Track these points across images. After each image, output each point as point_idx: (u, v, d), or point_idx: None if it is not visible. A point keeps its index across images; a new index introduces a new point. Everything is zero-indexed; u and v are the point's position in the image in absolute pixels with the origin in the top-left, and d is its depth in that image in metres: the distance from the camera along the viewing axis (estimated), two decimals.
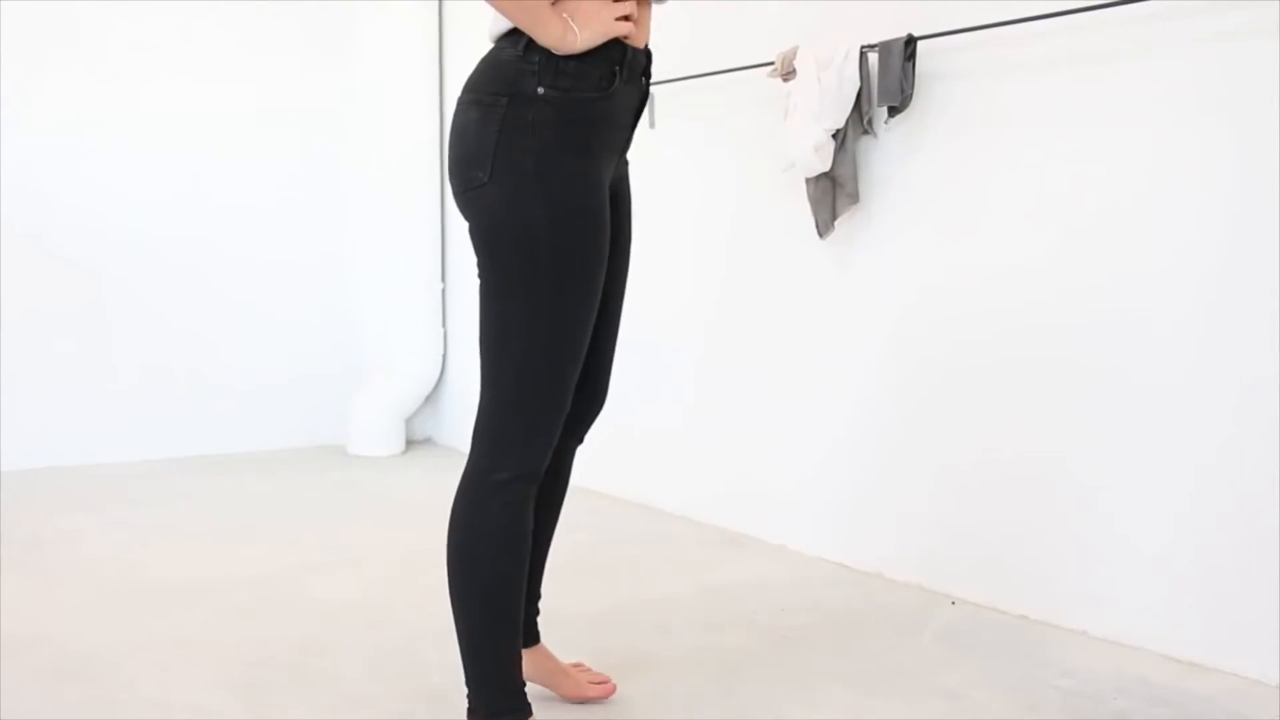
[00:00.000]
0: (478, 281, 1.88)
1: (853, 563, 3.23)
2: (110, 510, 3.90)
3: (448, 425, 5.24)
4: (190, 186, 4.86)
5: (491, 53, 1.85)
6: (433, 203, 5.08)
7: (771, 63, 3.23)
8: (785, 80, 3.17)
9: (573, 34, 1.76)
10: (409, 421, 5.23)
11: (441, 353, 5.18)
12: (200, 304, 4.91)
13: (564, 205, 1.80)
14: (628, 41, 1.85)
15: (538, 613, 2.26)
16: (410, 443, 5.24)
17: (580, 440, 2.17)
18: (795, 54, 3.14)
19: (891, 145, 3.09)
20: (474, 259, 1.92)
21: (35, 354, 4.58)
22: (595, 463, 4.07)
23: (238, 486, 4.32)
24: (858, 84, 3.04)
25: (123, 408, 4.76)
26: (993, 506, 2.89)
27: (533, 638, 2.24)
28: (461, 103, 1.85)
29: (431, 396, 5.27)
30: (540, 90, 1.77)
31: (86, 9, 4.61)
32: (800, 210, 3.27)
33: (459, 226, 4.96)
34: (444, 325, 5.18)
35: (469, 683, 1.94)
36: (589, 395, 2.10)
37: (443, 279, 5.15)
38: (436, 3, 4.99)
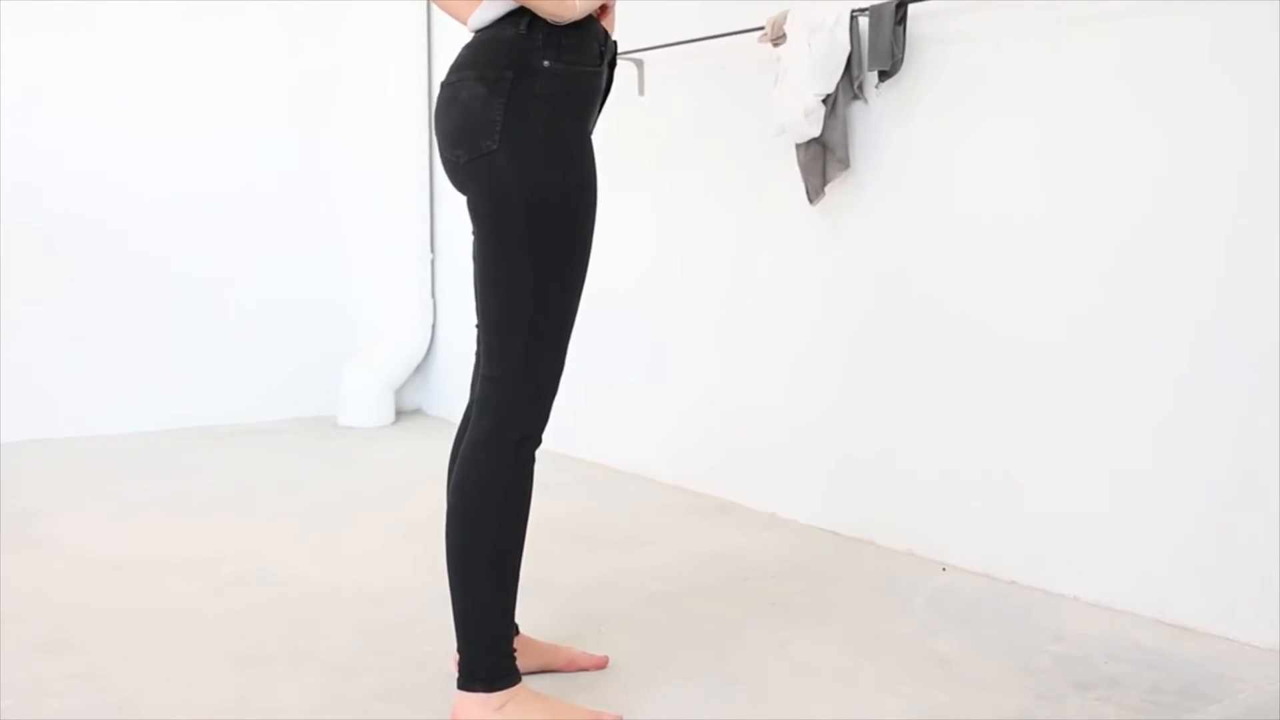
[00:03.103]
0: (477, 254, 1.92)
1: (843, 529, 3.24)
2: (100, 483, 3.88)
3: (437, 396, 5.23)
4: (180, 163, 4.83)
5: (487, 35, 1.90)
6: (422, 174, 5.05)
7: (761, 27, 3.20)
8: (775, 45, 3.14)
9: (571, 1, 1.84)
10: (399, 392, 5.22)
11: (431, 324, 5.17)
12: (191, 277, 4.89)
13: (569, 169, 1.89)
14: (602, 22, 1.95)
15: None
16: (400, 413, 5.24)
17: None
18: (785, 18, 3.11)
19: (882, 110, 3.07)
20: (469, 230, 1.96)
21: (28, 327, 4.56)
22: (586, 432, 4.08)
23: (228, 458, 4.31)
24: (848, 48, 3.01)
25: (114, 379, 4.75)
26: (983, 473, 2.89)
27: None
28: (461, 80, 1.89)
29: (421, 367, 5.26)
30: (546, 64, 1.85)
31: (79, 4, 4.58)
32: (790, 176, 3.25)
33: (449, 198, 4.95)
34: (433, 296, 5.16)
35: (468, 650, 1.94)
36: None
37: (432, 250, 5.13)
38: None
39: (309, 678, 2.23)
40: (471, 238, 2.03)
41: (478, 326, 2.09)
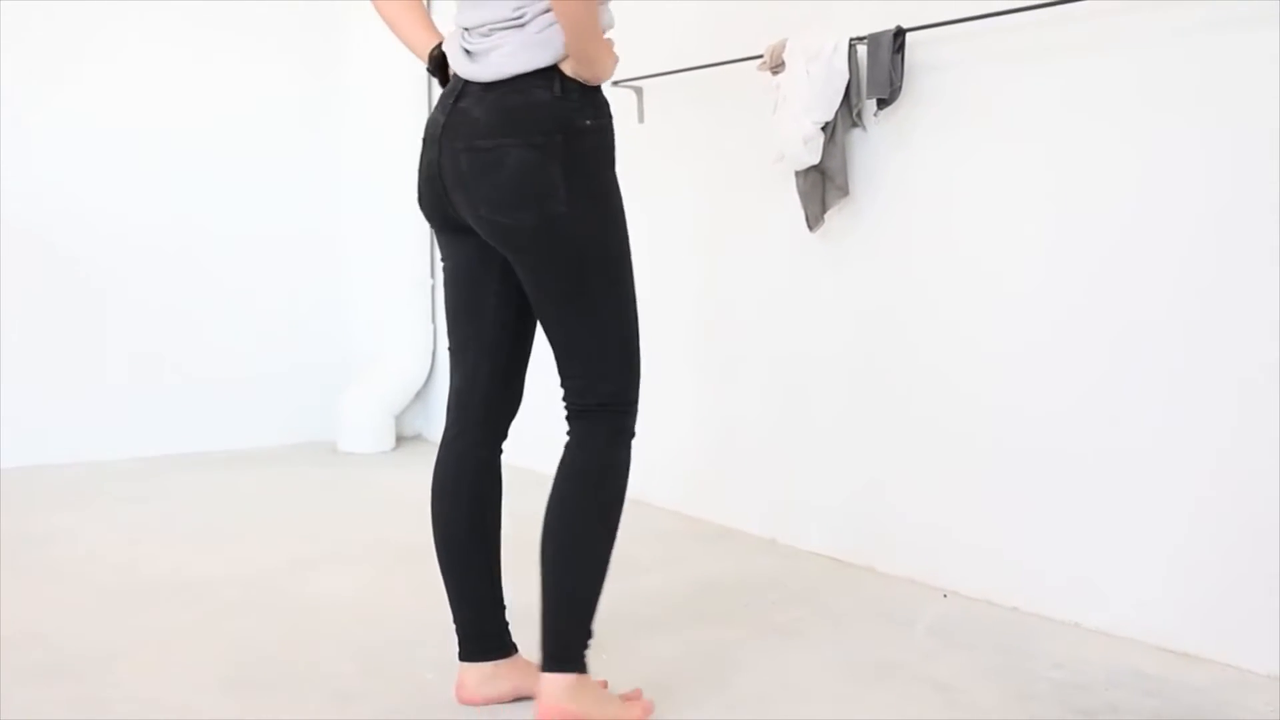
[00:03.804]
0: (544, 299, 2.03)
1: (843, 556, 3.23)
2: (101, 508, 3.88)
3: (437, 421, 5.22)
4: (181, 188, 4.85)
5: (518, 99, 1.94)
6: None
7: (760, 55, 3.22)
8: (774, 73, 3.16)
9: (609, 65, 1.99)
10: (399, 418, 5.22)
11: (431, 349, 5.17)
12: (191, 302, 4.90)
13: (617, 211, 2.04)
14: None
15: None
16: (400, 439, 5.23)
17: (505, 437, 2.22)
18: (784, 47, 3.13)
19: (881, 138, 3.09)
20: (454, 257, 2.09)
21: (26, 352, 4.56)
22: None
23: (228, 483, 4.31)
24: (847, 76, 3.03)
25: (114, 405, 4.75)
26: (984, 500, 2.89)
27: (512, 647, 2.23)
28: (502, 145, 1.94)
29: (421, 393, 5.26)
30: (588, 122, 1.97)
31: (79, 12, 4.60)
32: (790, 203, 3.26)
33: None
34: (433, 322, 5.17)
35: (568, 633, 2.05)
36: (514, 394, 2.20)
37: (432, 276, 5.14)
38: (425, 1, 4.97)
39: (309, 704, 2.22)
40: (447, 262, 2.14)
41: (452, 350, 2.19)
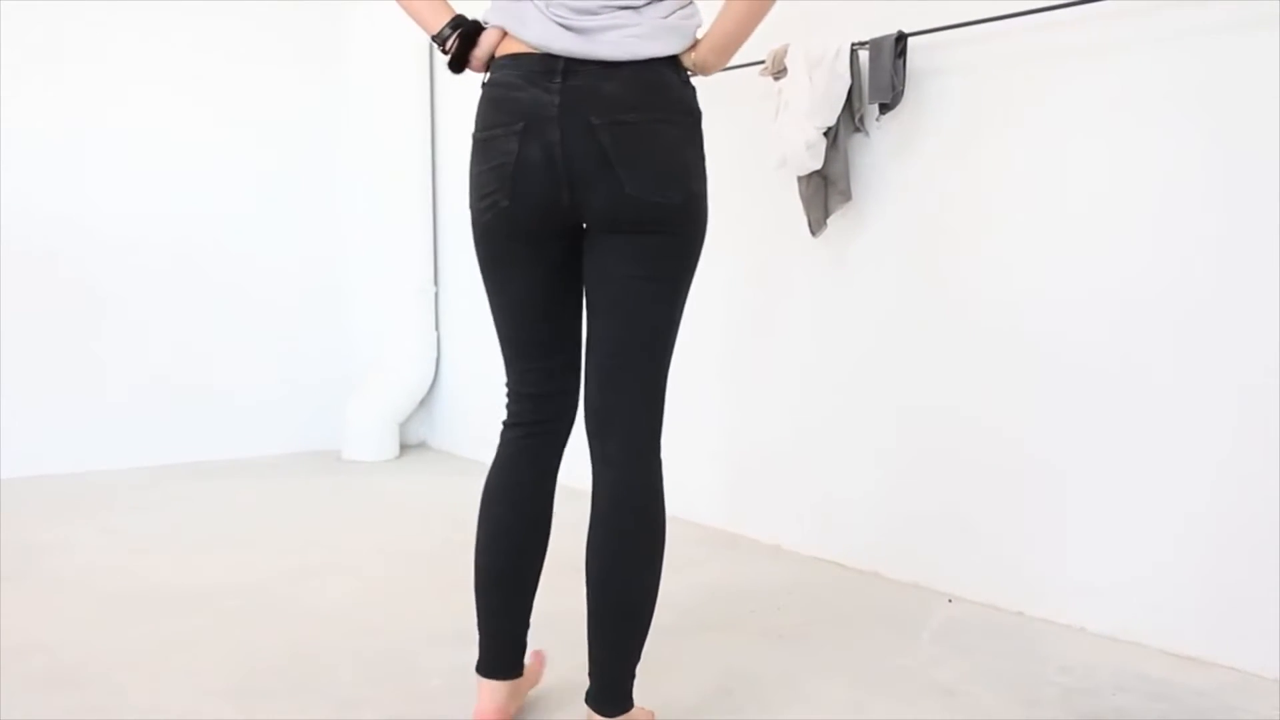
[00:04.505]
0: (635, 287, 1.93)
1: (849, 562, 3.23)
2: (104, 518, 3.88)
3: (441, 429, 5.23)
4: (183, 195, 4.86)
5: (649, 73, 1.86)
6: (425, 207, 5.07)
7: (762, 61, 3.22)
8: (776, 78, 3.16)
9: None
10: (403, 426, 5.22)
11: (435, 357, 5.17)
12: (193, 312, 4.90)
13: None
14: None
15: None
16: (404, 447, 5.23)
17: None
18: (786, 52, 3.13)
19: (883, 142, 3.09)
20: (473, 262, 1.95)
21: (29, 363, 4.56)
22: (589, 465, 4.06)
23: (232, 493, 4.30)
24: (849, 81, 3.03)
25: (117, 415, 4.75)
26: (990, 505, 2.88)
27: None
28: (649, 120, 1.85)
29: (425, 401, 5.26)
30: (702, 112, 1.95)
31: (79, 20, 4.61)
32: (792, 208, 3.26)
33: (451, 231, 4.97)
34: (437, 329, 5.17)
35: (627, 676, 1.99)
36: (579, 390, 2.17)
37: (435, 283, 5.15)
38: None
39: (311, 712, 2.22)
40: (521, 282, 1.99)
41: (536, 370, 2.08)
